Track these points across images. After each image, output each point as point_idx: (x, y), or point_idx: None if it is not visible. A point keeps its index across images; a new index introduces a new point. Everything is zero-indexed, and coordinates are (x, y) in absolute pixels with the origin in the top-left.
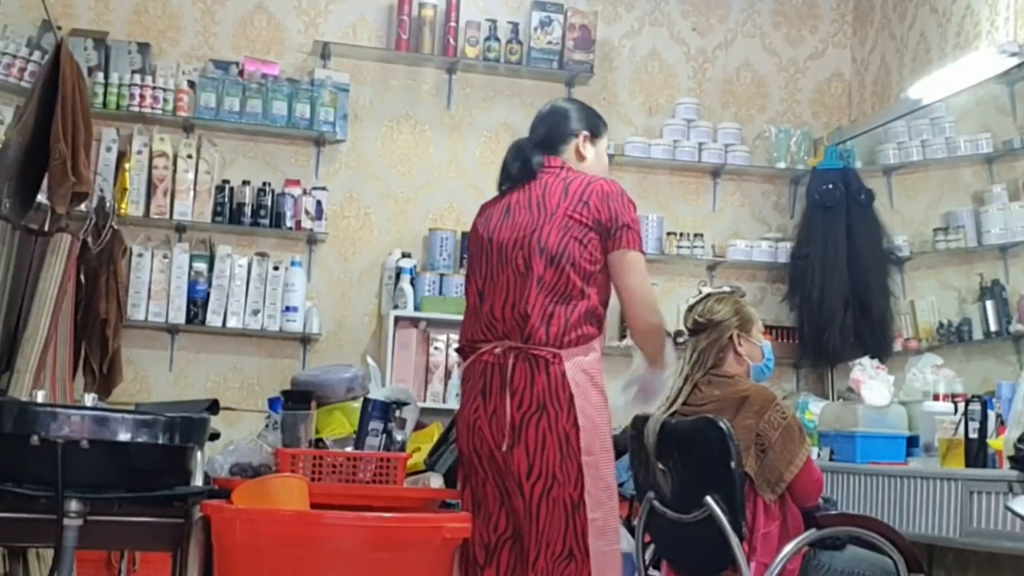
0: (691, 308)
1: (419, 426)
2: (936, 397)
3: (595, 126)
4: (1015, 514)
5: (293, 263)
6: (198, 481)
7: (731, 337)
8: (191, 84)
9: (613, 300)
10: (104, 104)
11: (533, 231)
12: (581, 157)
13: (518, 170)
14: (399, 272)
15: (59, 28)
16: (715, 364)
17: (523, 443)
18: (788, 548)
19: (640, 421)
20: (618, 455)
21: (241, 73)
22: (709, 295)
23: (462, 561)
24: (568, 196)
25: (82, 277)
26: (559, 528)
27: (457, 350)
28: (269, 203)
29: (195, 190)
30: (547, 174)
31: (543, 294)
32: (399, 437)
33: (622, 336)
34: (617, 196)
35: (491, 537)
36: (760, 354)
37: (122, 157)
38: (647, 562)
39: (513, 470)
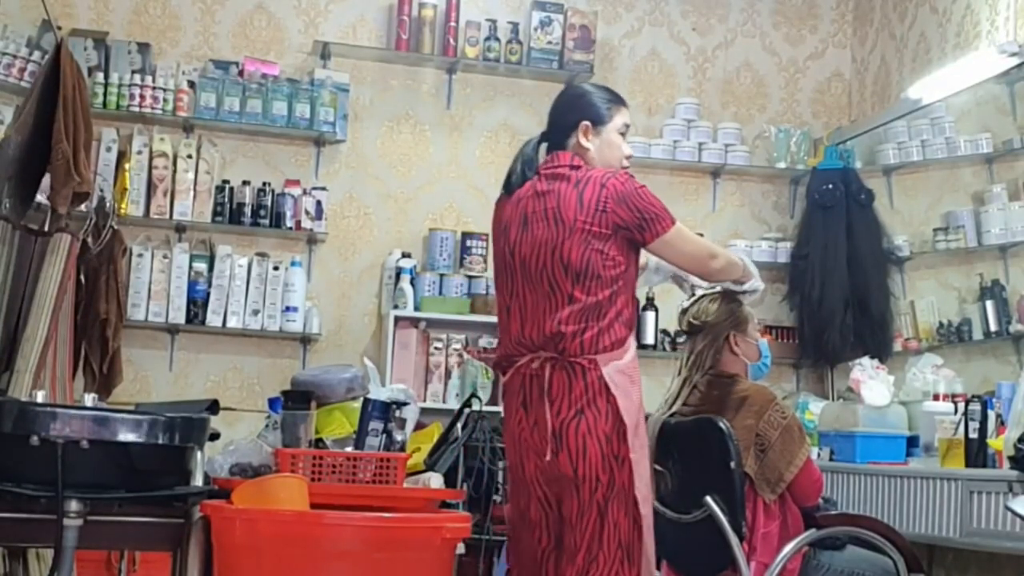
0: (685, 311)
1: (419, 426)
2: (936, 397)
3: (596, 114)
4: (1015, 514)
5: (293, 263)
6: (198, 481)
7: (727, 337)
8: (191, 84)
9: None
10: (104, 104)
11: (554, 249)
12: (583, 149)
13: (519, 178)
14: (399, 272)
15: (59, 28)
16: (713, 365)
17: (565, 449)
18: (788, 548)
19: None
20: None
21: (241, 73)
22: (703, 296)
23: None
24: (584, 207)
25: (82, 277)
26: (598, 529)
27: (494, 366)
28: (269, 203)
29: (195, 190)
30: (559, 180)
31: (574, 313)
32: (399, 437)
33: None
34: (633, 193)
35: (537, 549)
36: (757, 353)
37: (122, 157)
38: None
39: (563, 475)
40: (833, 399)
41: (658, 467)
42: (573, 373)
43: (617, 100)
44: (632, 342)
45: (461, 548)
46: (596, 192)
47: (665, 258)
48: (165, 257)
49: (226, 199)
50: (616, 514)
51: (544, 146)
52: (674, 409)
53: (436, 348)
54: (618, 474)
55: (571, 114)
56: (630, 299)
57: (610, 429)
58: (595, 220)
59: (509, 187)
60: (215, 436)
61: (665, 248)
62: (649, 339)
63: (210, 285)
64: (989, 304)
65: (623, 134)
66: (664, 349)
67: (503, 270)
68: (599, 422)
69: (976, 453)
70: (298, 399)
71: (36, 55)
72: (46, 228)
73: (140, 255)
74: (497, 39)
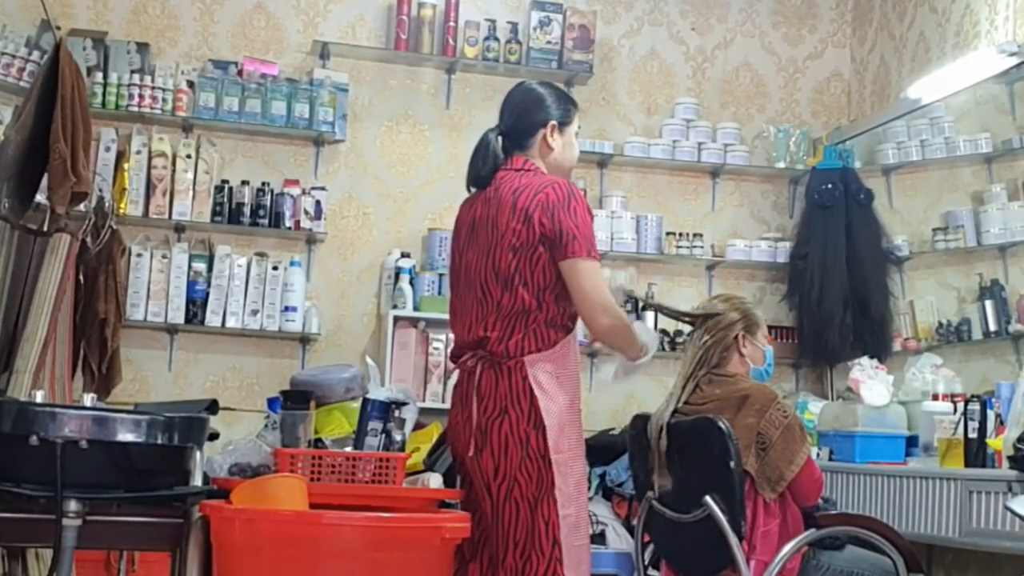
0: (701, 307)
1: (418, 426)
2: (935, 397)
3: (565, 113)
4: (1014, 514)
5: (292, 263)
6: (197, 481)
7: (736, 337)
8: (190, 84)
9: None
10: (103, 104)
11: (488, 255)
12: (548, 149)
13: (486, 175)
14: (398, 272)
15: (58, 28)
16: (718, 363)
17: (489, 446)
18: (788, 548)
19: (640, 421)
20: (618, 455)
21: (240, 73)
22: (715, 297)
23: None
24: (515, 214)
25: (81, 277)
26: (525, 527)
27: (451, 360)
28: (268, 203)
29: (194, 190)
30: (504, 184)
31: (501, 318)
32: (398, 437)
33: None
34: (563, 203)
35: (476, 533)
36: (762, 357)
37: (121, 157)
38: (646, 562)
39: (481, 472)
40: (832, 399)
41: (658, 467)
42: (500, 373)
43: (575, 103)
44: (567, 345)
45: None
46: (528, 199)
47: (567, 285)
48: (164, 257)
49: (225, 199)
50: (548, 512)
51: (501, 140)
52: (676, 406)
53: (435, 348)
54: (545, 473)
55: (539, 113)
56: (568, 303)
57: (531, 429)
58: (523, 228)
59: (476, 183)
60: (214, 436)
61: (570, 273)
62: None
63: (209, 285)
64: (988, 304)
65: (577, 135)
66: (663, 349)
67: (452, 272)
68: (521, 422)
69: (975, 453)
70: (297, 399)
71: (35, 55)
72: (45, 228)
73: (139, 255)
74: (496, 39)
